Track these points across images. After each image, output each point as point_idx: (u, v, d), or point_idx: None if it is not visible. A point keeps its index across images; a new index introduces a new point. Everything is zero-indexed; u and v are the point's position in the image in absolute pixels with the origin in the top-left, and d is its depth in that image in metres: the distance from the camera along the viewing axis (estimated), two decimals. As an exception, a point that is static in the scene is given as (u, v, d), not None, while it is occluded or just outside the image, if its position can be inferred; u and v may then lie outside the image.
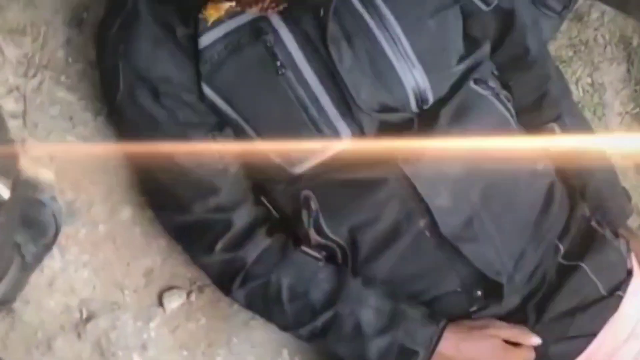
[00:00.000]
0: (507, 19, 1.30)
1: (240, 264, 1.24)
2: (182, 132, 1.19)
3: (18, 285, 1.10)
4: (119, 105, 1.21)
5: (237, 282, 1.24)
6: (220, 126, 1.20)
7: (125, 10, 1.18)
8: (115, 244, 1.39)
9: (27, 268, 1.29)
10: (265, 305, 1.26)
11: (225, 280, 1.26)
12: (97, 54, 1.28)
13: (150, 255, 1.40)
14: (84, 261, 1.37)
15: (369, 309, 1.22)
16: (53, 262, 1.35)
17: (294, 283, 1.23)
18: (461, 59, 1.24)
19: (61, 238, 1.34)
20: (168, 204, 1.26)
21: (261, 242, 1.24)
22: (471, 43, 1.26)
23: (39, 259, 1.31)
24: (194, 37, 1.15)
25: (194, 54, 1.15)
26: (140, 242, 1.40)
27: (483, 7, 1.26)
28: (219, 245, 1.23)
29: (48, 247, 1.32)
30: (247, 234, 1.24)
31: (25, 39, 1.36)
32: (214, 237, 1.23)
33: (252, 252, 1.23)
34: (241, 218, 1.23)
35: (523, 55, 1.33)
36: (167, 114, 1.18)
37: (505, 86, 1.32)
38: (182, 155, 1.19)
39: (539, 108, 1.36)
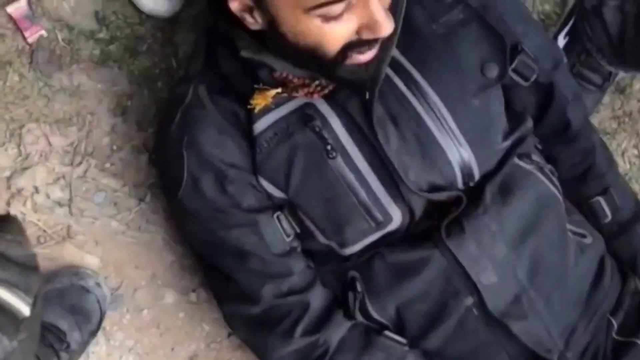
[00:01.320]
0: (546, 93, 1.29)
1: (322, 350, 1.19)
2: (250, 218, 1.17)
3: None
4: (183, 197, 1.19)
5: None
6: (280, 207, 1.19)
7: (186, 103, 1.18)
8: (159, 328, 1.39)
9: (73, 355, 1.30)
10: None
11: None
12: (157, 150, 1.29)
13: (194, 339, 1.39)
14: (129, 346, 1.37)
15: None
16: (98, 348, 1.35)
17: None
18: (506, 136, 1.23)
19: (106, 324, 1.35)
20: (238, 295, 1.21)
21: (342, 324, 1.20)
22: (515, 118, 1.26)
23: (83, 345, 1.31)
24: (250, 123, 1.15)
25: (252, 139, 1.16)
26: (185, 326, 1.40)
27: (522, 82, 1.25)
28: (298, 330, 1.18)
29: (93, 334, 1.32)
30: (327, 314, 1.21)
31: (71, 128, 1.40)
32: (292, 321, 1.19)
33: (334, 335, 1.20)
34: (317, 298, 1.21)
35: (565, 129, 1.32)
36: (231, 203, 1.17)
37: (550, 159, 1.31)
38: (251, 241, 1.18)
39: (584, 181, 1.34)
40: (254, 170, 1.16)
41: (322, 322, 1.19)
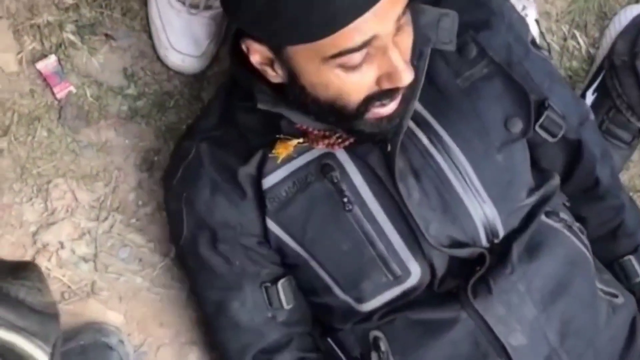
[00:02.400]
0: (574, 151, 1.28)
1: None
2: (237, 282, 1.20)
3: None
4: (182, 249, 1.25)
5: None
6: (275, 277, 1.21)
7: (188, 160, 1.20)
8: (182, 387, 1.37)
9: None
10: None
11: None
12: (164, 199, 1.31)
13: (217, 399, 1.37)
14: (151, 406, 1.35)
15: None
16: (120, 407, 1.33)
17: None
18: (531, 192, 1.21)
19: (128, 382, 1.34)
20: (223, 354, 1.27)
21: None
22: (541, 175, 1.25)
23: (105, 404, 1.30)
24: (257, 178, 1.16)
25: (256, 195, 1.16)
26: (207, 385, 1.38)
27: (549, 138, 1.24)
28: None
29: (115, 393, 1.31)
30: None
31: (97, 183, 1.40)
32: None
33: None
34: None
35: (593, 187, 1.30)
36: (223, 262, 1.20)
37: (579, 218, 1.29)
38: (234, 306, 1.21)
39: (614, 240, 1.32)
40: (261, 222, 1.17)
41: None
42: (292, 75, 1.03)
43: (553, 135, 1.24)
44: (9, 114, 1.39)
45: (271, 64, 1.04)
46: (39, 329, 0.90)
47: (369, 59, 0.98)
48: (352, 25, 0.93)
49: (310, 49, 0.97)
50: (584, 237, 1.25)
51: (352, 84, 1.00)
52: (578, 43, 1.57)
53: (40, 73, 1.40)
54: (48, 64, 1.40)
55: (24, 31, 1.40)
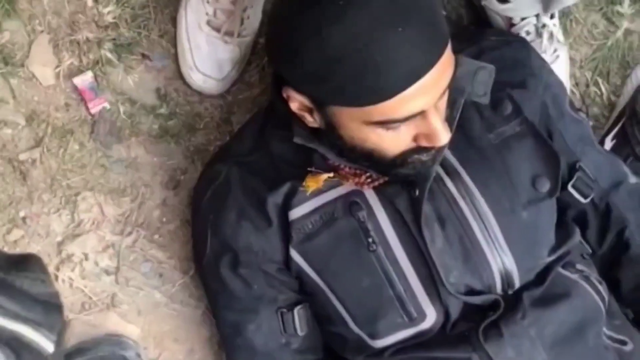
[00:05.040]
0: (603, 216, 1.29)
1: None
2: (254, 306, 1.22)
3: None
4: (204, 268, 1.27)
5: None
6: (292, 303, 1.23)
7: (218, 182, 1.23)
8: (194, 403, 1.39)
9: None
10: None
11: None
12: (191, 217, 1.34)
13: (227, 416, 1.39)
14: (163, 420, 1.37)
15: None
16: (133, 419, 1.35)
17: None
18: (552, 250, 1.23)
19: (143, 395, 1.36)
20: None
21: None
22: (562, 232, 1.25)
23: (119, 416, 1.32)
24: (284, 208, 1.18)
25: (281, 224, 1.19)
26: (218, 403, 1.40)
27: (581, 199, 1.26)
28: None
29: (129, 404, 1.33)
30: None
31: (124, 198, 1.43)
32: None
33: None
34: None
35: (624, 250, 1.30)
36: (242, 285, 1.22)
37: (612, 282, 1.30)
38: (250, 329, 1.23)
39: None
40: (284, 251, 1.19)
41: None
42: (331, 126, 1.06)
43: (584, 197, 1.26)
44: (43, 125, 1.43)
45: (310, 112, 1.07)
46: (44, 319, 0.93)
47: (409, 120, 1.01)
48: (399, 97, 0.97)
49: (355, 112, 1.01)
50: (601, 288, 1.25)
51: (390, 142, 1.04)
52: (600, 89, 1.59)
53: (76, 88, 1.43)
54: (84, 80, 1.43)
55: (64, 46, 1.44)
